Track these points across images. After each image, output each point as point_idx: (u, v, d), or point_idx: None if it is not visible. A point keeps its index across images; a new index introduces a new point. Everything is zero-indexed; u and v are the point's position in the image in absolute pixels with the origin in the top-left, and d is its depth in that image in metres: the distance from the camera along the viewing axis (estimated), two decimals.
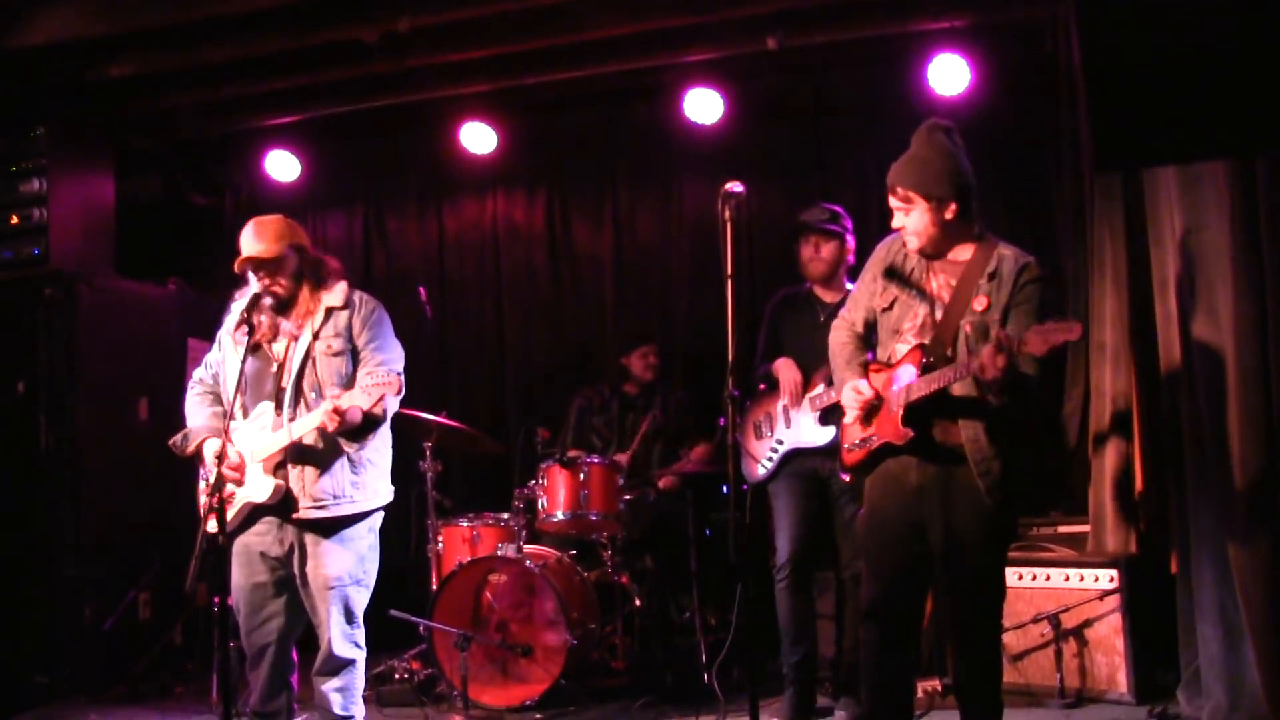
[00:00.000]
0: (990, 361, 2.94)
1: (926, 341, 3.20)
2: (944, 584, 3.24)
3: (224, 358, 3.73)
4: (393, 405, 3.60)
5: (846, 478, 3.45)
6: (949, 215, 3.17)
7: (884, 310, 3.36)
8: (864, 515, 3.37)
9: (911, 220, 3.20)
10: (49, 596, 5.31)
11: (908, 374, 3.19)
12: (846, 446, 3.40)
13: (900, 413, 3.17)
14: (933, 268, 3.29)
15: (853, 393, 3.32)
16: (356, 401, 3.38)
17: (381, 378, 3.38)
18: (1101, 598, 4.37)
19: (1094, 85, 3.24)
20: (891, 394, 3.23)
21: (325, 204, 6.93)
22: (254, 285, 3.60)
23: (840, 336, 3.53)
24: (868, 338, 3.48)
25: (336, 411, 3.38)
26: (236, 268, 3.61)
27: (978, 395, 3.13)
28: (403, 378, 3.44)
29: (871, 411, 3.30)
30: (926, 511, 3.20)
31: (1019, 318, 3.10)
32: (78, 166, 5.82)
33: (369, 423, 3.55)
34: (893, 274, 3.33)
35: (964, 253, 3.24)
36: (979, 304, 3.15)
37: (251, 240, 3.58)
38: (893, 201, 3.24)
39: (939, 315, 3.22)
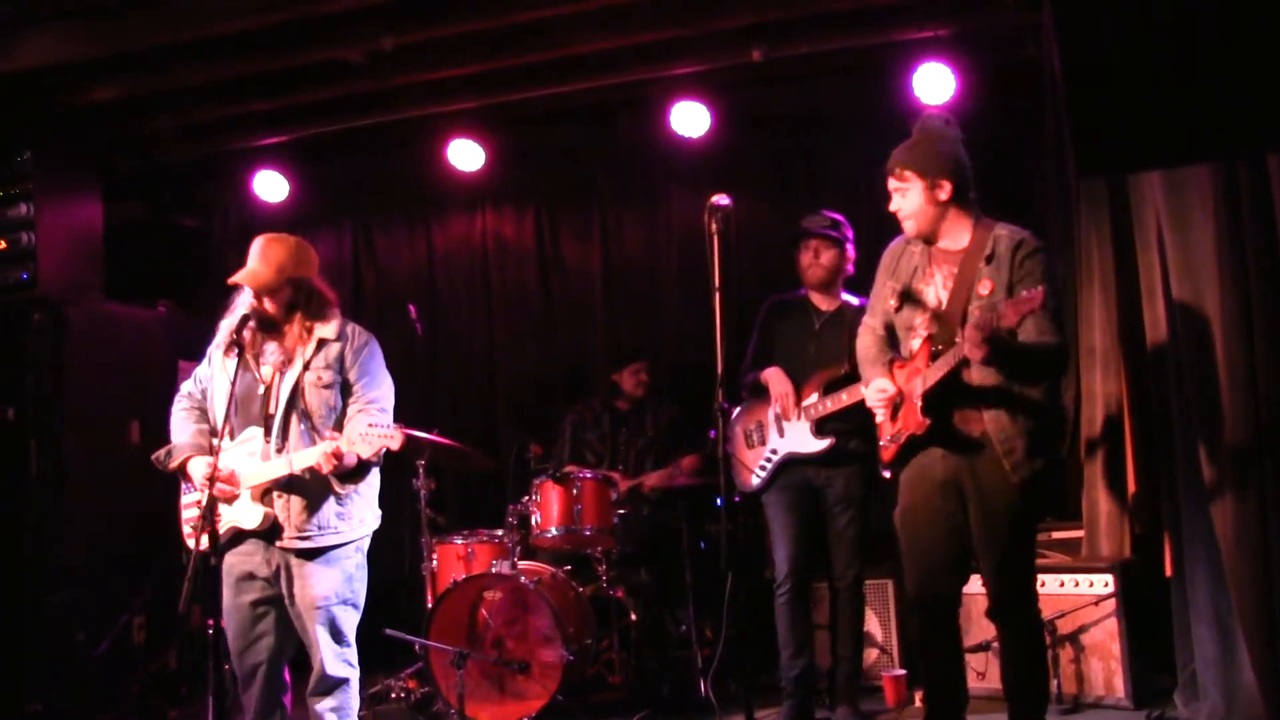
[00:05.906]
0: (972, 338, 2.98)
1: (934, 331, 3.26)
2: (982, 567, 3.32)
3: (213, 374, 3.73)
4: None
5: (887, 475, 3.52)
6: (943, 195, 3.27)
7: (896, 311, 3.45)
8: (899, 511, 3.44)
9: (908, 201, 3.31)
10: (41, 622, 5.26)
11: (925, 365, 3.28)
12: (882, 444, 3.48)
13: (919, 404, 3.23)
14: (935, 259, 3.35)
15: (876, 391, 3.42)
16: (357, 450, 3.41)
17: (384, 429, 3.41)
18: (1097, 603, 4.37)
19: (1075, 91, 3.26)
20: (911, 387, 3.28)
21: (314, 223, 6.91)
22: (242, 303, 3.61)
23: (865, 340, 3.62)
24: (891, 339, 3.56)
25: (335, 455, 3.40)
26: (231, 283, 3.60)
27: (996, 382, 3.19)
28: (401, 431, 3.46)
29: (897, 408, 3.37)
30: (956, 500, 3.28)
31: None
32: (65, 190, 5.80)
33: (362, 467, 3.57)
34: (906, 295, 3.40)
35: (962, 239, 3.30)
36: (984, 288, 3.22)
37: (255, 260, 3.57)
38: (891, 184, 3.34)
39: (945, 305, 3.29)
